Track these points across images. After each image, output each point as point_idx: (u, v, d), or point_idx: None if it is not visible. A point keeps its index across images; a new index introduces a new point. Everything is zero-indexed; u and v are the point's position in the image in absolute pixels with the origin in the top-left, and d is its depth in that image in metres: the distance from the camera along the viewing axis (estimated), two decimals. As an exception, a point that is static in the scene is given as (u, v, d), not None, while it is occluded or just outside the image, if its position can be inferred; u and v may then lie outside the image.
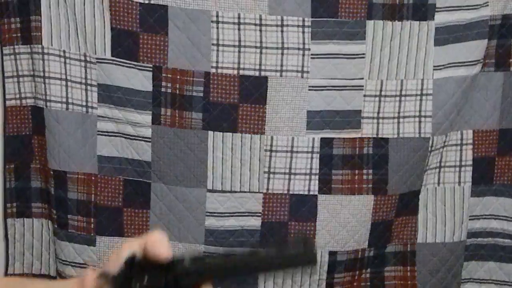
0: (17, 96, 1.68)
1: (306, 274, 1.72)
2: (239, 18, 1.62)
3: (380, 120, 1.69)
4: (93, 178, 1.68)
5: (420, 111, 1.69)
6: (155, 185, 1.68)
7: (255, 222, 1.70)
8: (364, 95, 1.67)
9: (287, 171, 1.69)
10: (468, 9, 1.65)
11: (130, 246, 0.66)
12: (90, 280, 0.67)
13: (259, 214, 1.70)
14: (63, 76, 1.64)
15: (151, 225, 1.68)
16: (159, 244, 0.65)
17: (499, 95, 1.72)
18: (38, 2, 1.61)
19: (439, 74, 1.67)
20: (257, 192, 1.69)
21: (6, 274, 1.75)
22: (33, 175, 1.72)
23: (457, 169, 1.75)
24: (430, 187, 1.75)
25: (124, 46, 1.62)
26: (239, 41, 1.63)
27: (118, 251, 0.67)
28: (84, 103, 1.66)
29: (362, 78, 1.66)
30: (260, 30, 1.63)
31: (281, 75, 1.64)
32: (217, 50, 1.63)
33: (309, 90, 1.66)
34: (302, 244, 0.65)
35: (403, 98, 1.68)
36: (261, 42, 1.63)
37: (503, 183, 1.78)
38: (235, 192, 1.68)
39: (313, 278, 1.73)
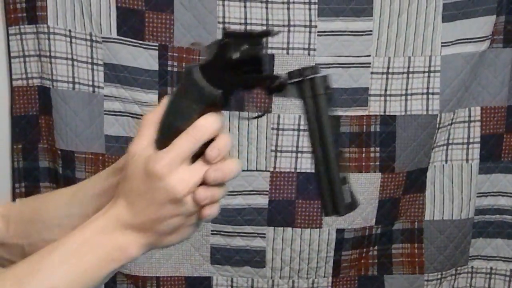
0: (24, 76, 1.68)
1: (313, 252, 1.73)
2: (245, -5, 1.61)
3: (388, 98, 1.68)
4: (100, 157, 1.69)
5: (427, 88, 1.67)
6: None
7: (262, 201, 1.70)
8: (372, 73, 1.66)
9: (294, 149, 1.69)
10: (476, -15, 1.64)
11: None
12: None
13: (266, 193, 1.70)
14: (69, 56, 1.64)
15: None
16: None
17: (507, 71, 1.71)
18: (43, -19, 1.60)
19: (447, 51, 1.66)
20: (264, 171, 1.69)
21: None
22: (41, 155, 1.72)
23: (465, 146, 1.74)
24: (438, 164, 1.75)
25: (130, 25, 1.61)
26: (245, 18, 1.62)
27: None
28: (90, 83, 1.65)
29: (369, 55, 1.65)
30: (266, 8, 1.61)
31: (287, 53, 1.63)
32: (223, 29, 1.62)
33: (316, 67, 1.64)
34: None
35: (410, 75, 1.67)
36: (267, 19, 1.62)
37: (511, 160, 1.77)
38: (243, 170, 1.67)
39: (321, 255, 1.73)
